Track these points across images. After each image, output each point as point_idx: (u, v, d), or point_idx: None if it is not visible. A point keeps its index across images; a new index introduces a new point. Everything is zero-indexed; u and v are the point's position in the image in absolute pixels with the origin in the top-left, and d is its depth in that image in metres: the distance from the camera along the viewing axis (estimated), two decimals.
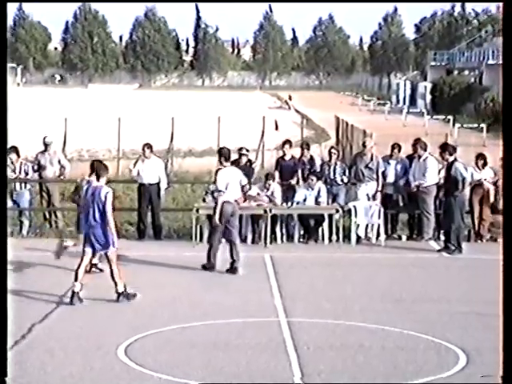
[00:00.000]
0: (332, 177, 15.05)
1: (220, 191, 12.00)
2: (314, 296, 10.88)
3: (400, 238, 15.00)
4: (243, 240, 14.40)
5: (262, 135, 25.52)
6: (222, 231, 12.16)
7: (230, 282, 11.75)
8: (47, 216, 15.77)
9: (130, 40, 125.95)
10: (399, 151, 15.12)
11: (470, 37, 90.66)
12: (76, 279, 10.24)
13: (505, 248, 6.74)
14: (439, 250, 13.99)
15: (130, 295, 10.39)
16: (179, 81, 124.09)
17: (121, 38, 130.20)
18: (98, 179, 10.42)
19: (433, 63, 71.00)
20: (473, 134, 36.93)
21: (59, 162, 15.95)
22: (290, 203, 14.52)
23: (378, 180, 14.87)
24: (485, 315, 10.02)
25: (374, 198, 14.78)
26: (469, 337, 9.05)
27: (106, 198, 10.22)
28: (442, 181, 14.36)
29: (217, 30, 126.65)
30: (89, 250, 10.38)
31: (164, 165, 15.89)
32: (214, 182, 12.29)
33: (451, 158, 13.78)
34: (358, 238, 14.54)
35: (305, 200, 14.63)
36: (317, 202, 14.62)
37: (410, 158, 15.13)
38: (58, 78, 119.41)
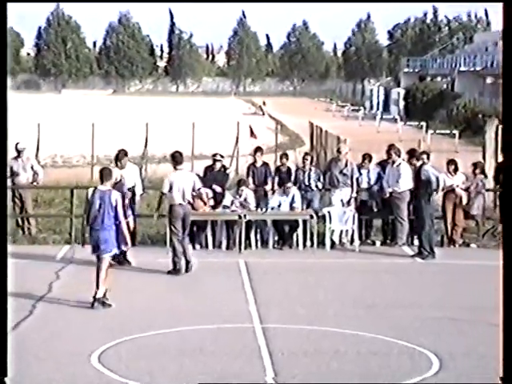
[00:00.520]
0: (306, 183, 15.10)
1: (163, 193, 12.44)
2: (288, 302, 10.90)
3: (374, 243, 15.08)
4: (218, 246, 14.42)
5: (237, 141, 25.54)
6: (181, 234, 12.37)
7: (204, 288, 11.73)
8: (20, 223, 15.65)
9: (103, 45, 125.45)
10: (370, 161, 15.21)
11: (442, 44, 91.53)
12: (97, 287, 10.38)
13: (505, 250, 6.79)
14: (413, 256, 14.08)
15: (106, 304, 10.38)
16: (153, 87, 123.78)
17: (94, 43, 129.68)
18: (102, 183, 10.69)
19: (406, 69, 71.50)
20: (445, 140, 37.21)
21: (32, 168, 15.84)
22: (264, 209, 14.55)
23: (352, 186, 14.94)
24: (458, 320, 10.10)
25: (348, 203, 14.85)
26: (442, 342, 9.11)
27: (116, 201, 10.52)
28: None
29: (191, 36, 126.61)
30: (94, 254, 10.63)
31: (139, 171, 15.83)
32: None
33: (419, 163, 13.96)
34: (333, 244, 14.60)
35: (279, 206, 14.66)
36: (291, 208, 14.66)
37: (384, 163, 15.22)
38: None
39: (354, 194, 14.92)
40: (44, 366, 8.15)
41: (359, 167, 15.13)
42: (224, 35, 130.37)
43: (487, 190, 15.55)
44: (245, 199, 14.47)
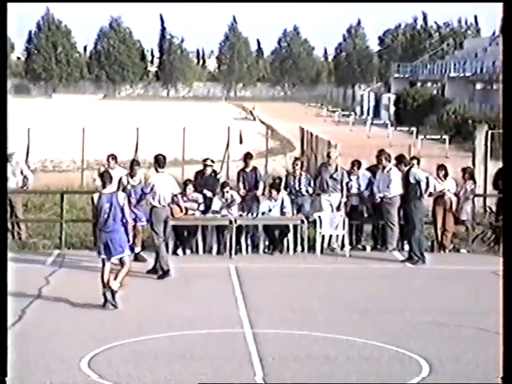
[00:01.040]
0: (297, 187, 15.11)
1: (144, 193, 12.66)
2: (278, 307, 10.90)
3: (364, 248, 15.09)
4: (208, 251, 14.42)
5: (227, 146, 25.53)
6: (163, 236, 12.52)
7: (194, 293, 11.72)
8: (10, 228, 15.60)
9: (94, 50, 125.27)
10: (359, 168, 15.23)
11: (432, 49, 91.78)
12: (104, 286, 10.62)
13: (505, 252, 6.82)
14: (403, 261, 14.11)
15: (114, 304, 10.58)
16: (144, 91, 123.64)
17: (85, 48, 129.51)
18: (104, 187, 10.93)
19: (396, 75, 71.70)
20: (435, 145, 37.32)
21: (22, 172, 15.80)
22: (255, 214, 14.55)
23: (342, 191, 14.96)
24: (448, 325, 10.13)
25: (338, 208, 14.87)
26: (431, 347, 9.13)
27: (123, 203, 10.77)
28: None
29: (182, 40, 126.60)
30: (104, 257, 10.82)
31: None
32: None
33: (407, 168, 14.03)
34: (323, 249, 14.60)
35: (270, 211, 14.67)
36: (282, 213, 14.67)
37: (374, 168, 15.25)
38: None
39: (344, 199, 14.94)
40: (33, 371, 8.11)
41: (348, 173, 15.15)
42: (215, 40, 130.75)
43: (476, 196, 15.60)
44: (231, 200, 14.44)
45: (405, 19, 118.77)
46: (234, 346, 9.05)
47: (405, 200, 14.15)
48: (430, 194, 14.62)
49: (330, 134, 32.47)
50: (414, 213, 13.86)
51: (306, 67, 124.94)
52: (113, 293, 10.59)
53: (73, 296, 11.00)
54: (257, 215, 14.53)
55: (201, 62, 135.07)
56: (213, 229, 14.40)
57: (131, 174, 13.92)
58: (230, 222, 14.17)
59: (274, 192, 14.62)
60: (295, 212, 14.84)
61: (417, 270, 13.61)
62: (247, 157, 15.53)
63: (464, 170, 15.36)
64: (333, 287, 12.29)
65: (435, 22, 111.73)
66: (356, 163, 15.28)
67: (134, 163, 14.27)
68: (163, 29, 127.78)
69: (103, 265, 10.88)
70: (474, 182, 15.37)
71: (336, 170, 15.07)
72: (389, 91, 70.20)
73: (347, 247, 14.63)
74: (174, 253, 14.03)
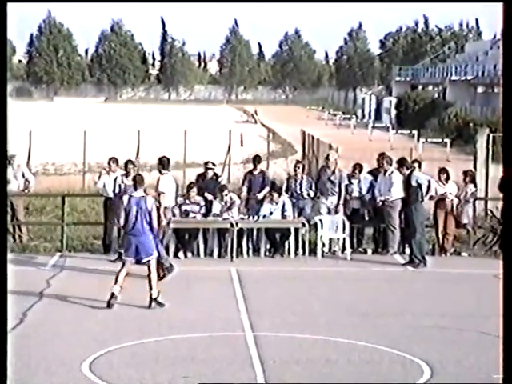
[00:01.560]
0: (298, 191, 15.11)
1: (163, 192, 12.68)
2: (279, 310, 10.90)
3: (365, 251, 15.09)
4: (210, 254, 14.42)
5: (229, 149, 25.54)
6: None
7: (196, 296, 11.72)
8: (11, 230, 15.61)
9: (95, 53, 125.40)
10: (360, 171, 15.22)
11: (433, 53, 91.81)
12: (116, 282, 10.74)
13: (505, 255, 6.80)
14: (404, 264, 14.10)
15: (161, 303, 10.78)
16: (146, 94, 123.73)
17: (86, 51, 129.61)
18: (135, 189, 11.04)
19: (398, 78, 71.70)
20: (437, 148, 37.31)
21: (23, 175, 15.81)
22: (256, 217, 14.55)
23: (340, 194, 14.95)
24: (449, 329, 10.12)
25: (335, 211, 14.85)
26: (433, 350, 9.12)
27: (152, 207, 10.88)
28: None
29: (183, 43, 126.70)
30: (131, 260, 10.89)
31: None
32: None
33: (408, 171, 14.03)
34: (324, 252, 14.60)
35: (271, 214, 14.67)
36: (283, 216, 14.67)
37: (375, 172, 15.24)
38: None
39: (342, 201, 14.91)
40: (34, 374, 8.11)
41: (350, 177, 15.14)
42: (216, 43, 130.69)
43: (477, 199, 15.60)
44: (231, 203, 14.43)
45: (406, 22, 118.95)
46: (235, 349, 9.04)
47: (406, 203, 14.15)
48: (431, 198, 14.61)
49: (331, 137, 32.48)
50: (415, 216, 13.86)
51: (307, 70, 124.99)
52: (156, 300, 10.79)
53: (74, 299, 11.00)
54: (258, 218, 14.53)
55: (202, 65, 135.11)
56: (214, 232, 14.40)
57: (126, 175, 14.00)
58: (231, 225, 14.17)
59: (275, 195, 14.61)
60: (296, 215, 14.83)
61: (418, 273, 13.61)
62: (256, 159, 15.50)
63: (465, 173, 15.36)
64: (334, 290, 12.29)
65: (436, 26, 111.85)
66: (357, 167, 15.27)
67: (128, 163, 14.32)
68: (164, 32, 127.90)
69: (122, 266, 10.99)
70: (475, 186, 15.37)
71: (333, 172, 15.06)
72: (390, 94, 70.20)
73: (348, 250, 14.63)
74: (176, 256, 14.04)
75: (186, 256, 14.23)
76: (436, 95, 63.29)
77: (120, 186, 14.01)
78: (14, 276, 12.02)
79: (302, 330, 9.84)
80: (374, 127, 51.22)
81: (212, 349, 9.07)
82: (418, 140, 38.37)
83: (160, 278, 12.35)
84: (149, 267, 10.97)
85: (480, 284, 12.74)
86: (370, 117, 67.01)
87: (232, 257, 14.13)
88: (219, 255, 14.36)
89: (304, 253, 14.35)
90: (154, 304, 10.80)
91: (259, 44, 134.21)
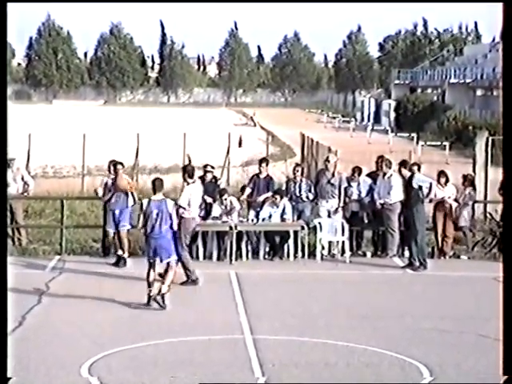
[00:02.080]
0: (298, 194, 15.11)
1: (182, 207, 12.31)
2: (279, 313, 10.89)
3: (365, 254, 15.09)
4: (209, 257, 14.41)
5: (228, 152, 25.54)
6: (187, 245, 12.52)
7: (195, 299, 11.72)
8: (10, 233, 15.60)
9: (95, 56, 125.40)
10: (359, 174, 15.21)
11: (432, 56, 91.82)
12: (149, 286, 10.93)
13: (505, 258, 6.82)
14: (403, 267, 14.10)
15: (162, 304, 10.81)
16: (145, 97, 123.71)
17: (86, 54, 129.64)
18: (155, 193, 11.20)
19: (397, 81, 71.73)
20: (436, 151, 37.33)
21: (22, 178, 15.80)
22: (255, 220, 14.55)
23: (339, 196, 14.94)
24: (448, 331, 10.12)
25: (335, 213, 14.83)
26: (432, 353, 9.12)
27: (172, 210, 11.08)
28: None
29: (182, 46, 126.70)
30: (157, 260, 11.07)
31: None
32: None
33: (409, 174, 14.04)
34: (323, 255, 14.60)
35: (270, 217, 14.67)
36: (282, 219, 14.66)
37: (374, 175, 15.24)
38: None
39: (342, 204, 14.91)
40: (33, 377, 8.10)
41: (349, 180, 15.14)
42: (215, 46, 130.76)
43: (476, 202, 15.60)
44: (231, 207, 14.42)
45: (405, 25, 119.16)
46: (234, 352, 9.04)
47: (406, 205, 14.14)
48: (431, 201, 14.62)
49: (330, 140, 32.49)
50: (416, 217, 13.84)
51: (306, 73, 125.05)
52: (163, 296, 10.85)
53: (73, 302, 10.99)
54: (257, 221, 14.53)
55: (201, 67, 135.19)
56: (213, 235, 14.40)
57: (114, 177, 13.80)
58: (231, 227, 14.17)
59: (278, 198, 14.60)
60: (296, 218, 14.83)
61: (417, 276, 13.60)
62: (262, 162, 15.46)
63: (464, 176, 15.37)
64: (333, 293, 12.28)
65: (435, 29, 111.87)
66: (356, 169, 15.27)
67: (117, 164, 14.06)
68: (163, 35, 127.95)
69: (150, 266, 11.11)
70: (474, 189, 15.37)
71: (333, 175, 15.06)
72: (389, 97, 70.24)
73: (347, 253, 14.63)
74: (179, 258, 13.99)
75: None
76: (435, 98, 63.33)
77: (110, 189, 13.92)
78: (13, 279, 12.02)
79: (301, 332, 9.84)
80: (373, 130, 51.23)
81: (211, 352, 9.06)
82: (417, 143, 38.38)
83: (182, 283, 12.27)
84: (168, 267, 11.12)
85: (479, 287, 12.74)
86: (369, 120, 67.04)
87: (231, 260, 14.13)
88: (218, 258, 14.36)
89: (303, 256, 14.35)
90: (158, 297, 10.80)
91: (258, 47, 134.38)
